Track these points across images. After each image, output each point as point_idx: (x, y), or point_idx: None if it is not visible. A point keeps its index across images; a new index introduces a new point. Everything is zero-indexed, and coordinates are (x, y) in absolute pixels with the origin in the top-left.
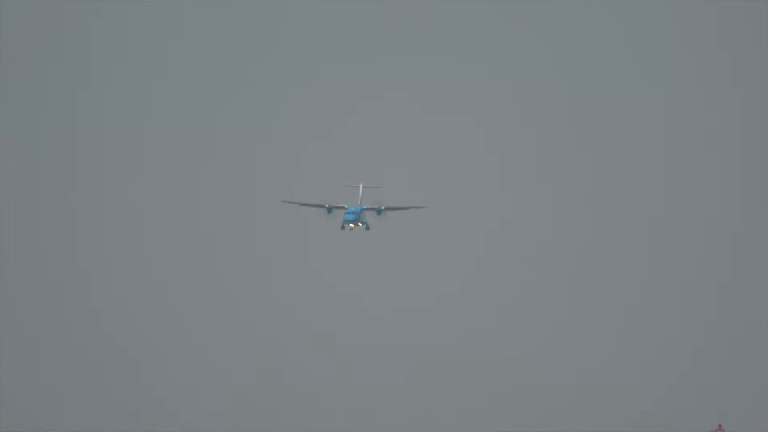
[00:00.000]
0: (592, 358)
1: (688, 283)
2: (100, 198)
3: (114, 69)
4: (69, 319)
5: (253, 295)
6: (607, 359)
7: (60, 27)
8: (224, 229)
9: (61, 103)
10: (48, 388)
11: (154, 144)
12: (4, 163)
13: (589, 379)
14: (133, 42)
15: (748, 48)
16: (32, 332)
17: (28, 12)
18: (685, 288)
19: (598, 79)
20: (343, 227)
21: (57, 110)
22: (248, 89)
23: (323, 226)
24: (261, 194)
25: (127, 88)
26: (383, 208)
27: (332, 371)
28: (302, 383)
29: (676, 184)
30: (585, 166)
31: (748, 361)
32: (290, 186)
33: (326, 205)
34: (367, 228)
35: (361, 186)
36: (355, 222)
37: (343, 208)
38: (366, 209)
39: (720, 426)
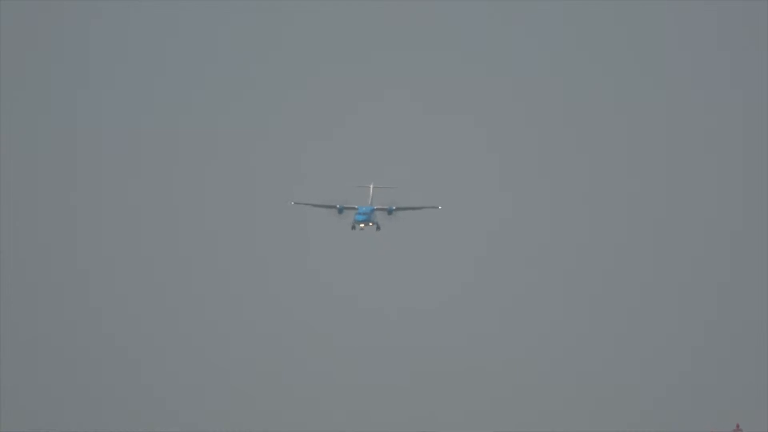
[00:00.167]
0: (592, 358)
1: (688, 283)
2: (100, 198)
3: (114, 69)
4: (69, 319)
5: (254, 295)
6: (607, 359)
7: (60, 27)
8: (224, 229)
9: (61, 103)
10: (48, 388)
11: (154, 144)
12: (4, 163)
13: (589, 379)
14: (133, 42)
15: (748, 48)
16: (32, 332)
17: (28, 12)
18: (685, 288)
19: (598, 79)
20: (353, 227)
21: (57, 110)
22: (248, 89)
23: (323, 226)
24: (261, 194)
25: (127, 88)
26: (394, 208)
27: (332, 371)
28: (302, 383)
29: (676, 184)
30: (585, 166)
31: (749, 361)
32: (290, 186)
33: (337, 206)
34: (378, 228)
35: (371, 186)
36: (365, 222)
37: (354, 208)
38: (377, 209)
39: (738, 426)
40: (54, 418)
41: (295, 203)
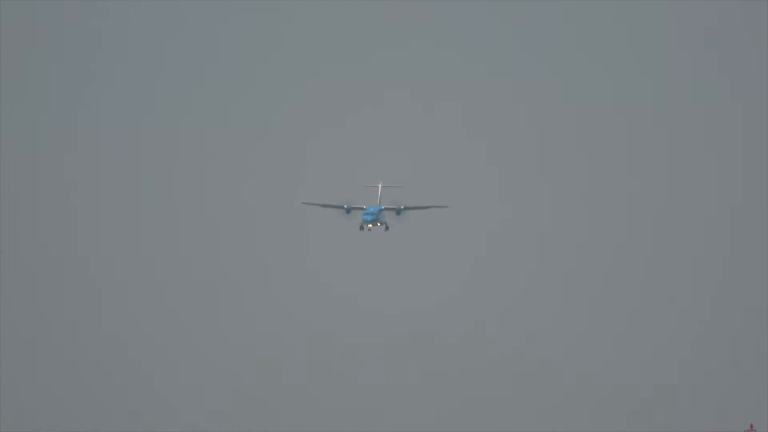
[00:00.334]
0: (592, 357)
1: (688, 283)
2: (100, 198)
3: (114, 69)
4: (69, 318)
5: (254, 295)
6: (607, 359)
7: (60, 27)
8: (224, 229)
9: (61, 103)
10: (48, 388)
11: (154, 144)
12: (4, 163)
13: (589, 379)
14: (133, 42)
15: (748, 48)
16: (32, 332)
17: (28, 12)
18: (685, 288)
19: (598, 79)
20: (362, 228)
21: (57, 110)
22: (248, 89)
23: (325, 226)
24: (261, 194)
25: (127, 88)
26: (402, 207)
27: (333, 371)
28: (302, 383)
29: (676, 184)
30: (585, 166)
31: (749, 361)
32: (290, 186)
33: (345, 206)
34: (387, 228)
35: (380, 186)
36: (373, 222)
37: (362, 208)
38: (385, 209)
39: (752, 426)
40: (54, 418)
41: (303, 203)
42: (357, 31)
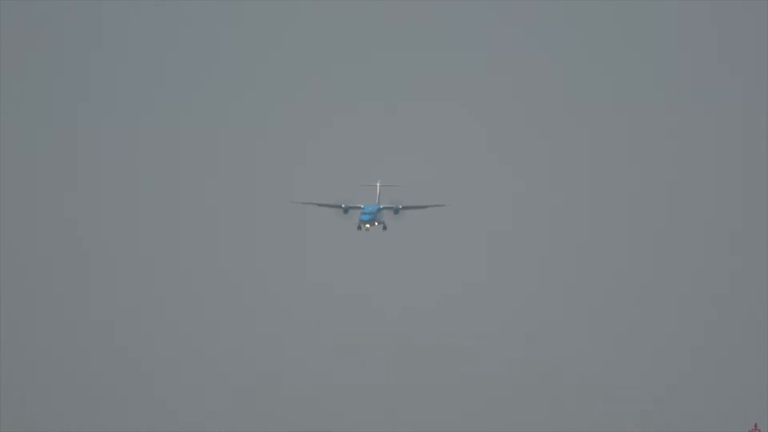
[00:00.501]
0: (594, 357)
1: (688, 283)
2: (100, 198)
3: (114, 69)
4: (69, 319)
5: (254, 295)
6: (609, 359)
7: (60, 27)
8: (224, 229)
9: (61, 103)
10: (48, 388)
11: (154, 144)
12: (4, 163)
13: (591, 380)
14: (133, 42)
15: (748, 48)
16: (32, 332)
17: (28, 12)
18: (685, 288)
19: (598, 79)
20: (359, 227)
21: (57, 110)
22: (248, 89)
23: (325, 225)
24: (261, 194)
25: (127, 88)
26: (401, 207)
27: (332, 371)
28: (302, 383)
29: (676, 184)
30: (585, 166)
31: (753, 361)
32: (291, 186)
33: (342, 206)
34: (385, 228)
35: (378, 184)
36: (371, 222)
37: (359, 208)
38: (383, 208)
39: (756, 426)
40: (54, 418)
41: (301, 203)
42: (357, 31)
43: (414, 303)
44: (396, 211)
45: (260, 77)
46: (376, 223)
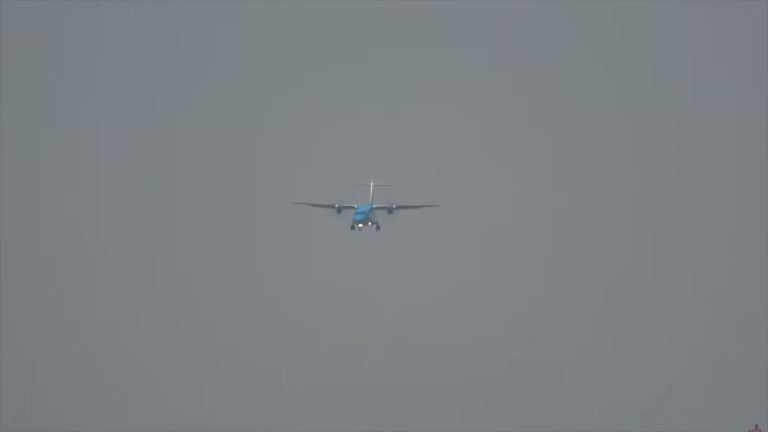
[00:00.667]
0: (594, 357)
1: (688, 283)
2: (100, 198)
3: (114, 69)
4: (69, 319)
5: (254, 295)
6: (609, 359)
7: (60, 27)
8: (224, 228)
9: (61, 103)
10: (48, 388)
11: (154, 144)
12: (4, 163)
13: (591, 380)
14: (133, 42)
15: (748, 48)
16: (32, 332)
17: (28, 12)
18: (685, 288)
19: (598, 79)
20: (353, 227)
21: (57, 110)
22: (248, 89)
23: (326, 225)
24: (262, 194)
25: (127, 88)
26: (394, 207)
27: (332, 371)
28: (302, 383)
29: (676, 184)
30: (585, 166)
31: (753, 360)
32: (291, 186)
33: (336, 205)
34: (378, 228)
35: (372, 184)
36: (364, 222)
37: (353, 207)
38: (377, 208)
39: (756, 426)
40: (54, 418)
41: (294, 203)
42: (357, 31)
43: (414, 303)
44: (390, 211)
45: (260, 77)
46: (370, 223)
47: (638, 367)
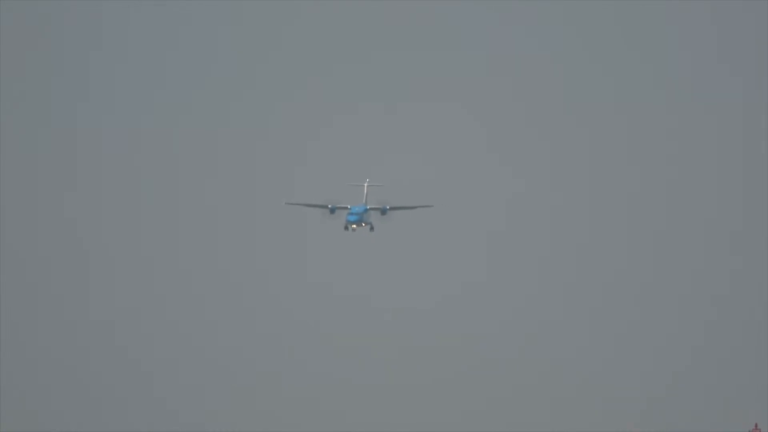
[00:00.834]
0: (594, 357)
1: (688, 283)
2: (100, 198)
3: (114, 69)
4: (69, 319)
5: (254, 295)
6: (609, 359)
7: (60, 27)
8: (224, 228)
9: (61, 103)
10: (48, 388)
11: (154, 144)
12: (4, 163)
13: (591, 379)
14: (133, 42)
15: (748, 48)
16: (32, 333)
17: (28, 12)
18: (685, 288)
19: (598, 79)
20: (346, 228)
21: (57, 110)
22: (248, 89)
23: (326, 225)
24: (261, 194)
25: (127, 88)
26: (388, 207)
27: (332, 371)
28: (302, 383)
29: (676, 184)
30: (585, 166)
31: (753, 360)
32: (291, 186)
33: (329, 206)
34: (372, 228)
35: (366, 184)
36: (358, 223)
37: (346, 208)
38: (370, 209)
39: (756, 426)
40: (54, 418)
41: (287, 203)
42: (357, 31)
43: (414, 303)
44: (383, 211)
45: (260, 77)
46: (363, 224)
47: (638, 367)
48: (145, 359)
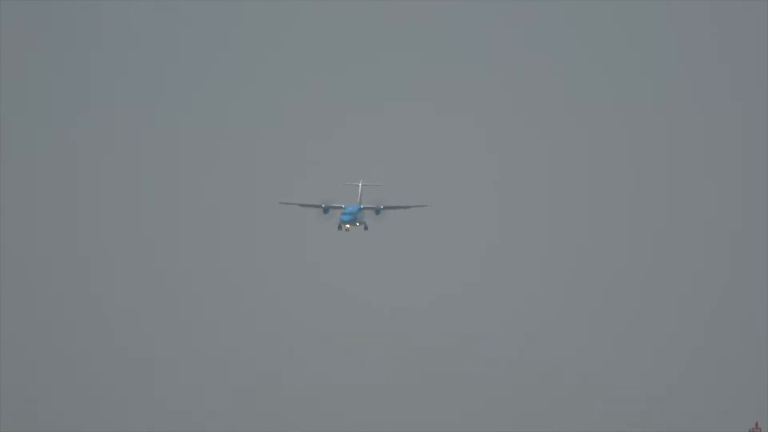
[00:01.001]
0: (593, 357)
1: (688, 283)
2: (100, 198)
3: (114, 69)
4: (69, 319)
5: (254, 295)
6: (608, 359)
7: (60, 27)
8: (224, 228)
9: (61, 103)
10: (48, 388)
11: (154, 144)
12: (4, 163)
13: (590, 379)
14: (133, 42)
15: (748, 48)
16: (32, 333)
17: (28, 12)
18: (685, 288)
19: (598, 79)
20: (340, 227)
21: (57, 110)
22: (248, 89)
23: (325, 225)
24: (261, 194)
25: (127, 88)
26: (382, 207)
27: (332, 371)
28: (302, 383)
29: (676, 184)
30: (584, 166)
31: (753, 359)
32: (291, 186)
33: (323, 205)
34: (366, 228)
35: (360, 184)
36: (351, 223)
37: (340, 207)
38: (364, 208)
39: (756, 425)
40: (54, 418)
41: (281, 203)
42: (356, 31)
43: (414, 303)
44: (377, 211)
45: (260, 77)
46: (357, 224)
47: (638, 367)
48: (145, 359)
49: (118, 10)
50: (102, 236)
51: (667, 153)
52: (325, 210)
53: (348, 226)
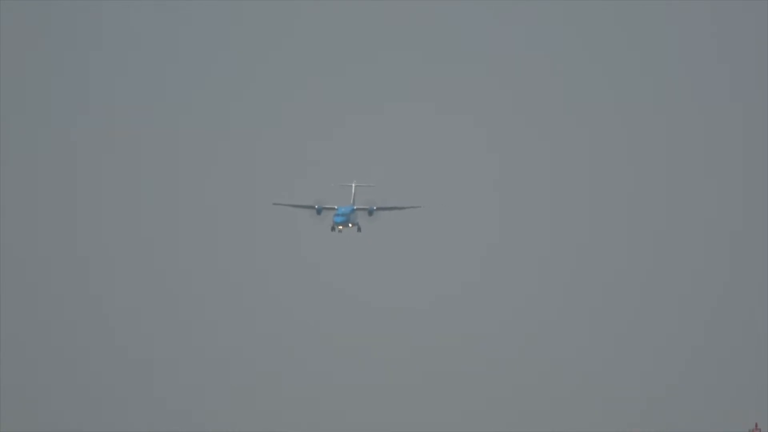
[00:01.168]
0: (593, 357)
1: (688, 283)
2: (100, 198)
3: (114, 69)
4: (69, 319)
5: (254, 295)
6: (608, 359)
7: (60, 27)
8: (224, 229)
9: (61, 103)
10: (48, 388)
11: (154, 144)
12: (4, 163)
13: (590, 379)
14: (133, 42)
15: (748, 48)
16: (32, 333)
17: (28, 12)
18: (685, 288)
19: (598, 79)
20: (333, 229)
21: (57, 110)
22: (248, 89)
23: (323, 225)
24: (261, 194)
25: (127, 88)
26: (375, 208)
27: (332, 371)
28: (302, 383)
29: (676, 184)
30: (584, 166)
31: (753, 360)
32: (290, 186)
33: (316, 206)
34: (359, 229)
35: (353, 185)
36: (344, 224)
37: (333, 209)
38: (357, 209)
39: (756, 425)
40: (54, 418)
41: (274, 204)
42: (356, 31)
43: (414, 303)
44: (370, 212)
45: (260, 77)
46: (350, 225)
47: (638, 367)
48: (145, 359)
49: (118, 10)
50: (102, 236)
51: (667, 153)
52: (318, 211)
53: (341, 227)
